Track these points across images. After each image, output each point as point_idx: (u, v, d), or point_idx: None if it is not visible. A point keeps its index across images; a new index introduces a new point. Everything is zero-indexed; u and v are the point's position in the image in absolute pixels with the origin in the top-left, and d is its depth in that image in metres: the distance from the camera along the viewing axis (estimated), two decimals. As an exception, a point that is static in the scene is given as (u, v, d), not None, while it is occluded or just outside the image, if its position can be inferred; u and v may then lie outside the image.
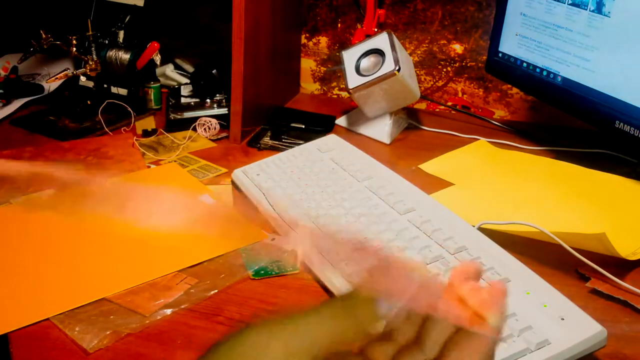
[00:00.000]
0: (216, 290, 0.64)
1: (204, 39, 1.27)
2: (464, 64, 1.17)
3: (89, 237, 0.74)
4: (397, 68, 0.97)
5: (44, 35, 1.08)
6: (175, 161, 0.94)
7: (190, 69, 1.28)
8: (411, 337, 0.37)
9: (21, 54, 1.15)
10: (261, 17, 1.03)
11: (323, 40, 1.26)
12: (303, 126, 1.06)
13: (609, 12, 0.82)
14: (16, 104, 1.14)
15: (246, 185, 0.84)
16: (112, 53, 1.11)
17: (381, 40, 1.01)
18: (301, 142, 0.98)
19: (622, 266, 0.68)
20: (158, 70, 1.22)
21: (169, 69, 1.27)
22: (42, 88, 1.19)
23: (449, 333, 0.36)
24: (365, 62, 1.02)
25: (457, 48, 1.17)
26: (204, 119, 1.04)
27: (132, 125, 1.07)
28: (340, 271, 0.64)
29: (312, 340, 0.34)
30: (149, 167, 0.93)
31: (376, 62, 1.00)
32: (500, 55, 1.03)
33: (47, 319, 0.60)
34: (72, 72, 1.09)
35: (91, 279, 0.66)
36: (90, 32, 1.10)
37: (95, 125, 1.05)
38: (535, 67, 0.97)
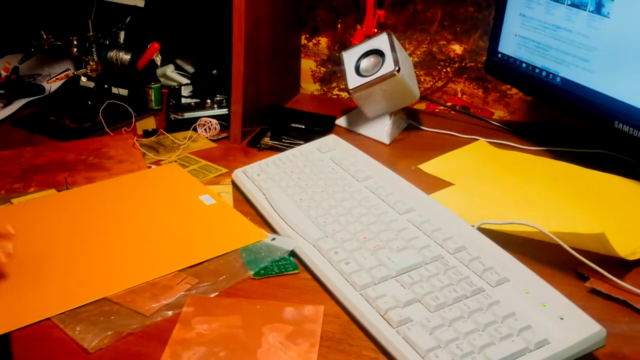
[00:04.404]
0: (217, 293, 0.64)
1: (204, 39, 1.27)
2: (463, 64, 1.17)
3: (90, 237, 0.74)
4: (396, 68, 0.97)
5: (44, 36, 1.08)
6: (175, 161, 0.95)
7: (190, 69, 1.28)
8: None
9: (22, 55, 1.16)
10: (261, 17, 1.03)
11: (323, 41, 1.26)
12: (303, 126, 1.07)
13: (608, 13, 0.83)
14: (17, 105, 1.14)
15: (246, 186, 0.84)
16: (112, 53, 1.11)
17: (381, 41, 1.01)
18: (301, 142, 0.98)
19: (621, 266, 0.68)
20: (158, 71, 1.22)
21: (170, 70, 1.27)
22: (42, 88, 1.19)
23: None
24: (365, 63, 1.02)
25: (457, 48, 1.17)
26: (204, 119, 1.04)
27: (132, 125, 1.07)
28: (339, 271, 0.64)
29: None
30: (149, 167, 0.93)
31: (376, 63, 1.01)
32: (499, 55, 1.03)
33: (48, 318, 0.60)
34: (73, 73, 1.10)
35: (92, 279, 0.66)
36: (91, 33, 1.10)
37: (96, 126, 1.05)
38: (534, 67, 0.97)
